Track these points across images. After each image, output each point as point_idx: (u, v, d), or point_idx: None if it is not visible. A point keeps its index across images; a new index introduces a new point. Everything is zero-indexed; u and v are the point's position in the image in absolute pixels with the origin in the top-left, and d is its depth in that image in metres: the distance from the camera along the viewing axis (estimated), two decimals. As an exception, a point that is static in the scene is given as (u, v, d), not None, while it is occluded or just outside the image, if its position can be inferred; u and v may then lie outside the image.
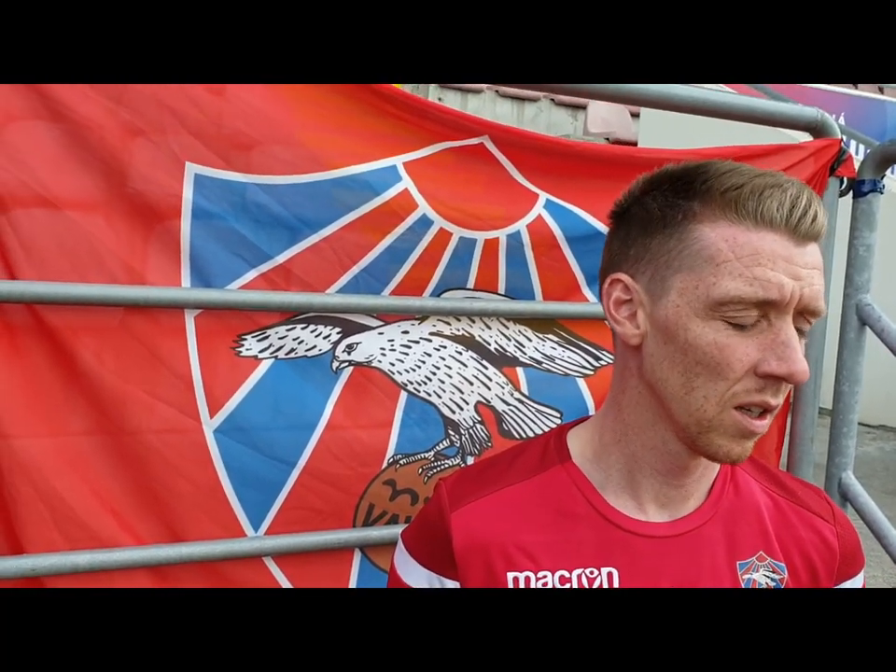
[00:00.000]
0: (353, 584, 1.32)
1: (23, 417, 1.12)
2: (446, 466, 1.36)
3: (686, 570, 0.87)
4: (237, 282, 1.22)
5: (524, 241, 1.34)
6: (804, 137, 1.56)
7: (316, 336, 1.28)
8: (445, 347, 1.35)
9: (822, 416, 1.65)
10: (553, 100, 9.35)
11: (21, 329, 1.12)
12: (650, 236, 0.83)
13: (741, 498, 0.92)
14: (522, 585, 0.85)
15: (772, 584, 0.89)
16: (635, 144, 7.87)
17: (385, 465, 1.31)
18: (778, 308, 0.78)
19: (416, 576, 0.90)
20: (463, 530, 0.87)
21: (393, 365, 1.32)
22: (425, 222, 1.27)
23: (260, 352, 1.25)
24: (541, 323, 1.42)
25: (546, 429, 1.38)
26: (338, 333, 1.29)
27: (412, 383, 1.33)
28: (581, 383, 1.44)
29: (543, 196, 1.35)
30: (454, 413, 1.36)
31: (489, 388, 1.38)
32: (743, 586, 0.88)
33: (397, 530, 1.26)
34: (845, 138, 1.52)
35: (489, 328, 1.38)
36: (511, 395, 1.39)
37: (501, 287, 1.36)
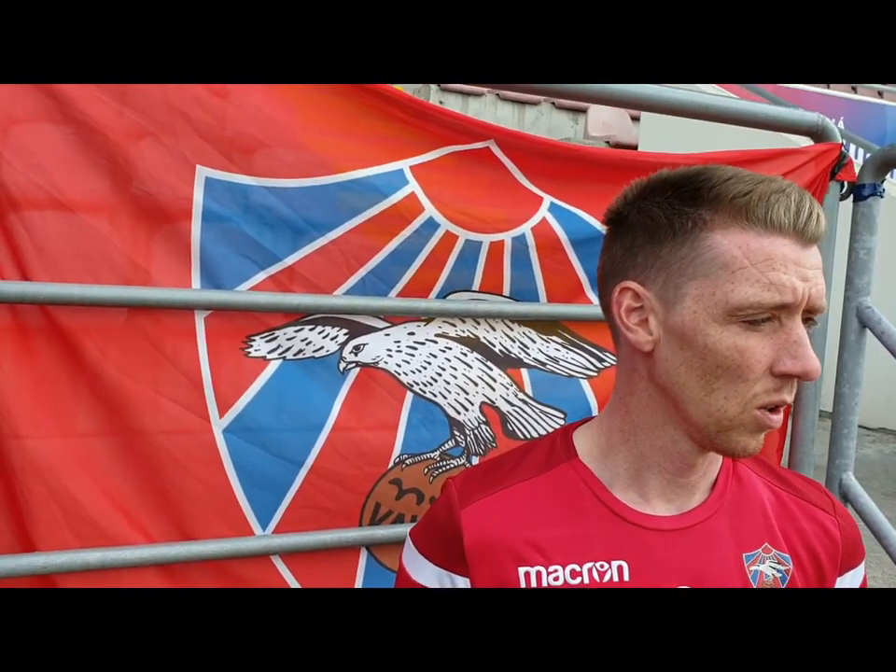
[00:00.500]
0: (359, 583, 1.33)
1: (36, 418, 1.14)
2: (451, 466, 1.37)
3: (695, 563, 0.88)
4: (246, 283, 1.23)
5: (528, 243, 1.35)
6: (802, 141, 1.57)
7: (324, 337, 1.29)
8: (451, 348, 1.36)
9: (823, 419, 1.66)
10: (553, 103, 9.35)
11: (34, 331, 1.14)
12: (658, 244, 0.85)
13: (744, 492, 0.94)
14: (533, 580, 0.86)
15: (778, 576, 0.90)
16: (635, 147, 7.88)
17: (391, 464, 1.32)
18: (790, 309, 0.81)
19: (426, 573, 0.91)
20: (473, 527, 0.88)
21: (399, 366, 1.33)
22: (431, 225, 1.29)
23: (269, 353, 1.26)
24: (545, 325, 1.43)
25: (550, 430, 1.40)
26: (345, 334, 1.30)
27: (417, 383, 1.34)
28: (585, 384, 1.45)
29: (548, 199, 1.37)
30: (459, 413, 1.37)
31: (494, 389, 1.39)
32: (750, 578, 0.89)
33: (402, 529, 1.28)
34: (845, 142, 1.53)
35: (494, 329, 1.40)
36: (516, 396, 1.41)
37: (506, 289, 1.38)
